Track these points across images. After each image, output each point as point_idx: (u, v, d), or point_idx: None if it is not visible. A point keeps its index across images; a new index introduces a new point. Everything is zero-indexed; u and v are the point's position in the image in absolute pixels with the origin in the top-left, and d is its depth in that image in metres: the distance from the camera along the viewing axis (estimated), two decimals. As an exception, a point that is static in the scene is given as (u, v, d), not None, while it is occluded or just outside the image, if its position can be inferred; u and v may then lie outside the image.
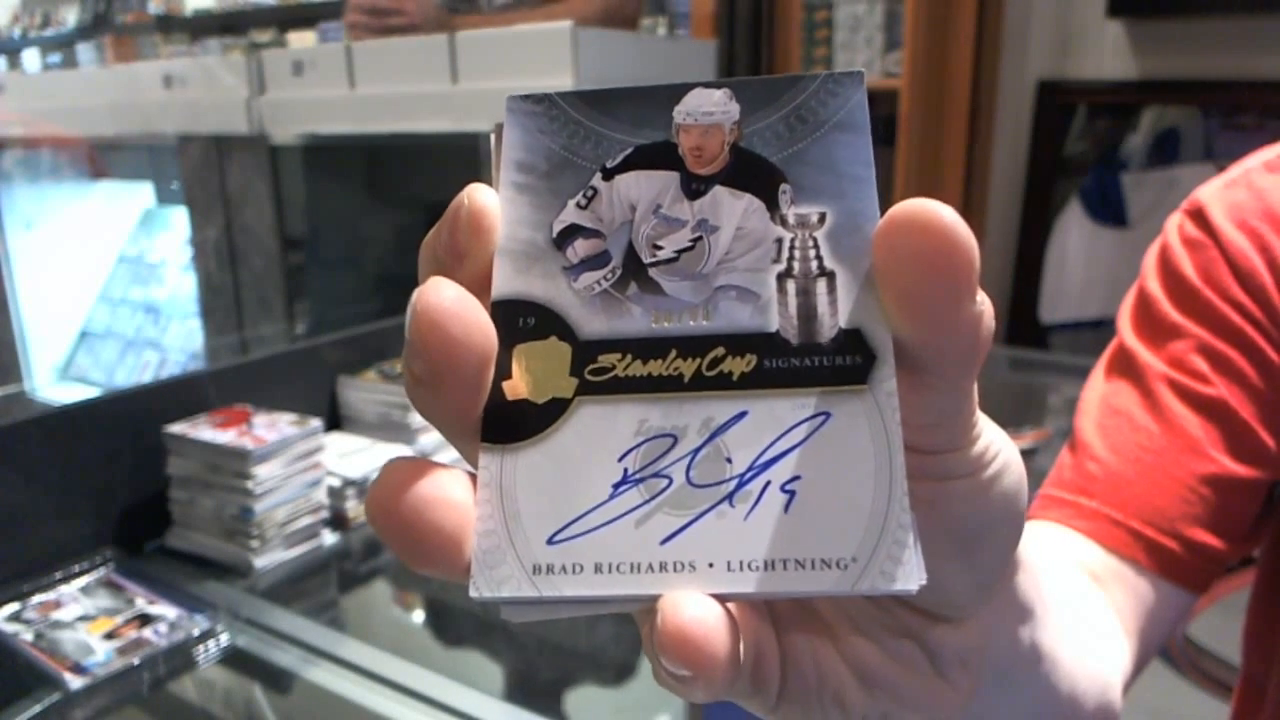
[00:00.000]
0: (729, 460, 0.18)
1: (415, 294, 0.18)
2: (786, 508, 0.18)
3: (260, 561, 0.98)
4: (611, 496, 0.18)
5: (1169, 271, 0.51)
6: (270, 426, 1.02)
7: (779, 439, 0.18)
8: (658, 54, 1.67)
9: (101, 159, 2.37)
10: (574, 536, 0.18)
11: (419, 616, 1.04)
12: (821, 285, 0.19)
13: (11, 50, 4.12)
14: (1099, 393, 0.51)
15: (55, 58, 3.97)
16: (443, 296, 0.18)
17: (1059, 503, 0.49)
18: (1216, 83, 1.96)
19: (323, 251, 1.88)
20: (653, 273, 0.19)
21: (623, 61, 1.46)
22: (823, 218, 0.19)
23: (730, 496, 0.18)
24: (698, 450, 0.18)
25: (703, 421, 0.18)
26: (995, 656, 0.26)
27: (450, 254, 0.20)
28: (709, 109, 0.20)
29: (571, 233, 0.20)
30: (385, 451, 1.16)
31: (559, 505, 0.18)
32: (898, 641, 0.23)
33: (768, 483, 0.18)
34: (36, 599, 0.91)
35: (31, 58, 4.12)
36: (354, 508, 1.09)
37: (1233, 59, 1.93)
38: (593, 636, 0.92)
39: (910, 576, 0.17)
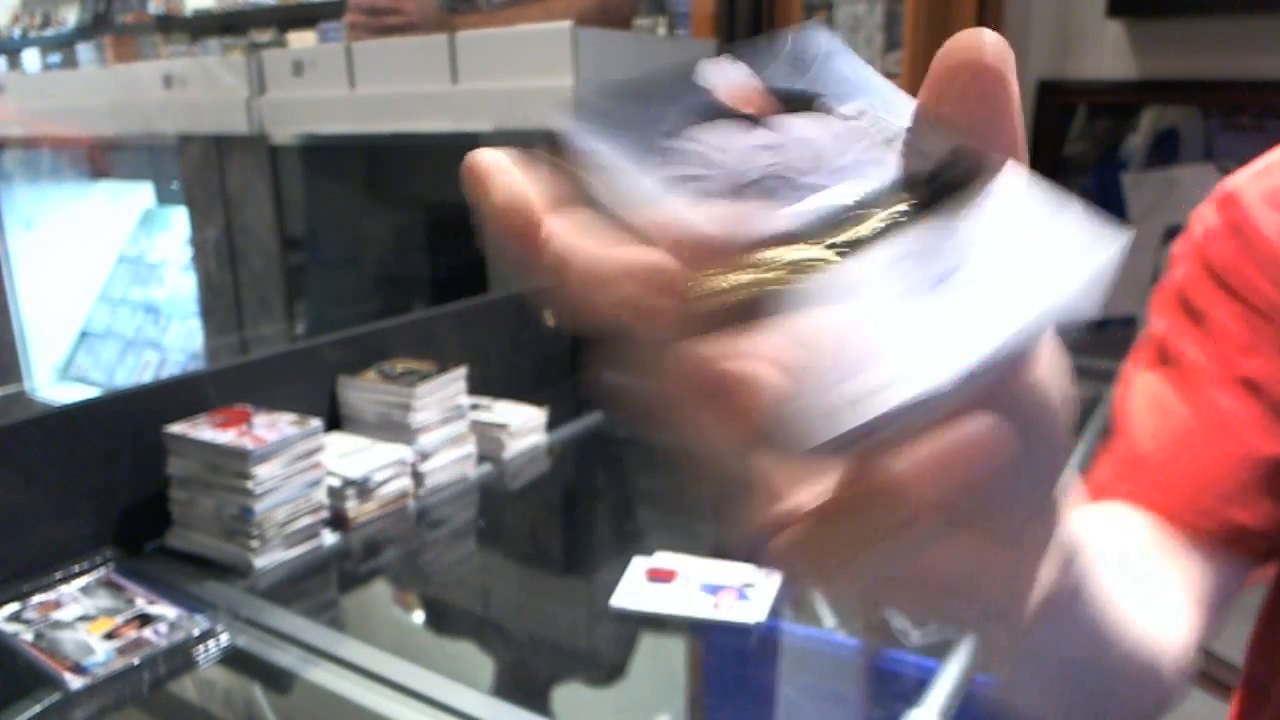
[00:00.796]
0: (945, 261, 0.19)
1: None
2: (993, 283, 0.19)
3: (260, 561, 0.98)
4: (882, 318, 0.19)
5: (1198, 258, 0.52)
6: (270, 426, 1.01)
7: (959, 240, 0.19)
8: (658, 54, 1.67)
9: (102, 158, 2.37)
10: (862, 366, 0.19)
11: (419, 616, 1.04)
12: (908, 136, 0.21)
13: (11, 50, 4.13)
14: (1136, 383, 0.53)
15: (55, 58, 3.98)
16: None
17: (1103, 488, 0.50)
18: (1216, 83, 1.96)
19: (323, 251, 1.88)
20: (767, 195, 0.21)
21: (622, 61, 1.46)
22: (867, 106, 0.22)
23: (950, 284, 0.19)
24: (928, 260, 0.19)
25: (923, 247, 0.20)
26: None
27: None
28: (727, 69, 0.22)
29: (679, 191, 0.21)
30: (385, 452, 1.15)
31: (847, 348, 0.19)
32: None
33: (972, 271, 0.19)
34: (36, 599, 0.91)
35: (31, 58, 4.12)
36: (354, 508, 1.09)
37: (1233, 59, 1.93)
38: (592, 637, 0.92)
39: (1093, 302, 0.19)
